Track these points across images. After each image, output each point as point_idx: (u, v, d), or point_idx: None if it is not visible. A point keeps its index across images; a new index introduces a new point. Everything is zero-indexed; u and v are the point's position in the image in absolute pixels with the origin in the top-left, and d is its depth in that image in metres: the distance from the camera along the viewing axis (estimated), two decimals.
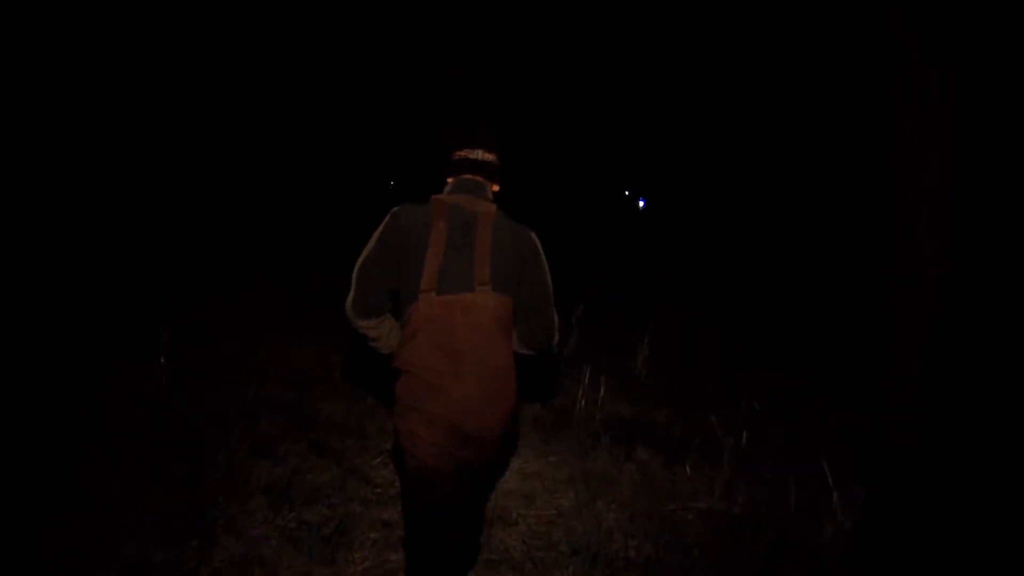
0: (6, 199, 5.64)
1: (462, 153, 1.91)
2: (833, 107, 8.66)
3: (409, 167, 13.23)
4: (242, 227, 8.61)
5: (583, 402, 3.98)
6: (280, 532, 2.57)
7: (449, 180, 1.92)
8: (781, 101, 10.61)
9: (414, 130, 12.91)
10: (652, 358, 5.07)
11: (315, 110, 11.77)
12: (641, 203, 18.35)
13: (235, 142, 10.27)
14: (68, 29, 6.27)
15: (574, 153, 13.77)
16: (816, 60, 8.54)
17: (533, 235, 1.88)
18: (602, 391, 4.06)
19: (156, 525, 2.48)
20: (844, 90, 7.91)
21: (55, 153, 6.23)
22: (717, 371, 5.22)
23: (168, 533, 2.44)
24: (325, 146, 12.20)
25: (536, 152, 12.52)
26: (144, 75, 7.96)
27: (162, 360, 3.72)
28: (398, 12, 11.56)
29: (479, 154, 1.91)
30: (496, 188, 1.94)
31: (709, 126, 13.59)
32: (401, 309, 1.82)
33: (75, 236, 5.77)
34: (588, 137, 14.24)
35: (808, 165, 10.94)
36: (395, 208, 1.83)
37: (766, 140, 12.26)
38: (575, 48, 12.16)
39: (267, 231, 8.81)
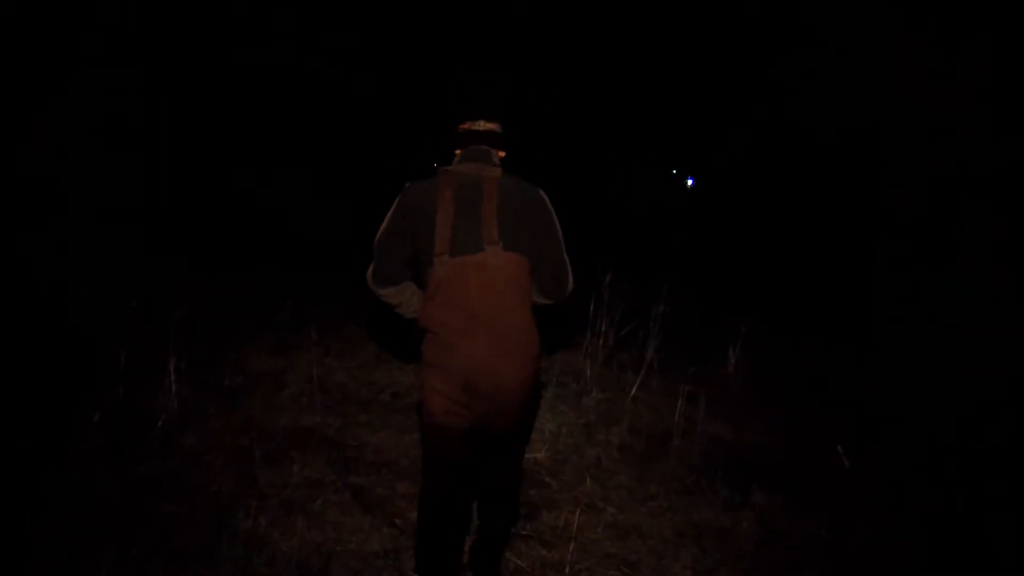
0: (6, 199, 5.64)
1: (465, 126, 2.05)
2: (833, 107, 8.66)
3: (408, 166, 13.22)
4: (242, 226, 8.59)
5: (677, 425, 3.39)
6: None
7: (457, 152, 2.05)
8: (781, 101, 10.61)
9: (414, 130, 12.90)
10: (744, 362, 4.42)
11: (315, 110, 11.77)
12: (690, 181, 18.19)
13: (235, 142, 10.28)
14: (68, 29, 6.27)
15: (574, 153, 13.76)
16: (816, 60, 8.53)
17: (540, 191, 1.99)
18: (698, 410, 3.47)
19: None
20: (844, 90, 7.90)
21: (55, 153, 6.23)
22: (819, 377, 4.48)
23: None
24: (325, 146, 12.20)
25: (535, 152, 12.52)
26: (144, 75, 7.96)
27: (173, 388, 3.16)
28: (398, 12, 11.57)
29: (480, 125, 2.04)
30: (502, 154, 2.06)
31: (709, 126, 13.57)
32: (421, 275, 1.96)
33: (75, 236, 5.78)
34: (587, 137, 14.22)
35: (808, 165, 10.94)
36: (406, 183, 1.97)
37: (767, 140, 12.25)
38: (575, 48, 12.16)
39: (267, 230, 8.80)
